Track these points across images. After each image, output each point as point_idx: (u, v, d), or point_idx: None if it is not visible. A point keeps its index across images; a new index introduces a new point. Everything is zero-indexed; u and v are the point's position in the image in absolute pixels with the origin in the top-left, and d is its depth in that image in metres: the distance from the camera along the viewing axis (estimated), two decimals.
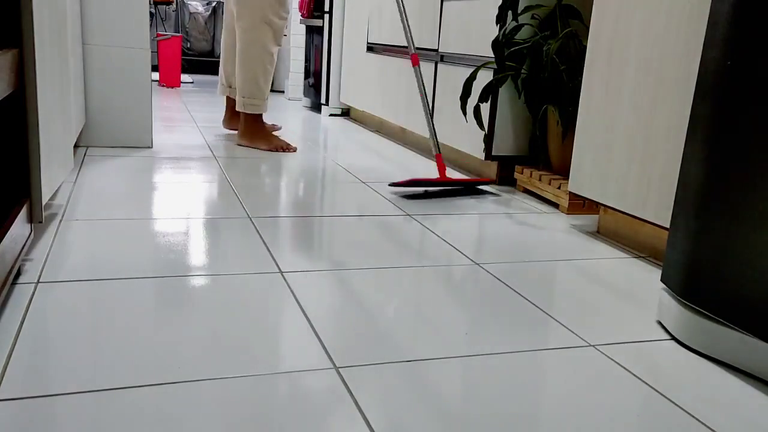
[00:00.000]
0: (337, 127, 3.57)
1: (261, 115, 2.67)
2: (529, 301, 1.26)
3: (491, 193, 2.11)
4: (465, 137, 2.38)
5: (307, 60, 4.28)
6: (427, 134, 2.68)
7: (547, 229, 1.78)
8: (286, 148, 2.67)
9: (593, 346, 1.09)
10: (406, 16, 2.24)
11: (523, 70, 2.13)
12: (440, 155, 2.18)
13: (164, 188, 1.93)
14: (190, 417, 0.80)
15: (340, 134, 3.31)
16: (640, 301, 1.30)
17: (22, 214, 1.16)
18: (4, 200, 1.15)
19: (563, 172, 2.10)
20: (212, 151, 2.56)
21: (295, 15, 4.58)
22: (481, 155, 2.26)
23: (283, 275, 1.30)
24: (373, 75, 3.31)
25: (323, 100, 3.98)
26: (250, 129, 2.67)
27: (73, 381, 0.86)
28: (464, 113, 2.09)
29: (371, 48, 3.35)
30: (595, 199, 1.70)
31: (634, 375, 1.00)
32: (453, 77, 2.47)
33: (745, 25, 1.00)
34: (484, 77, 2.22)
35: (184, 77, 5.39)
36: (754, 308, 1.00)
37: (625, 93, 1.58)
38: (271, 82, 2.67)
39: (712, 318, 1.07)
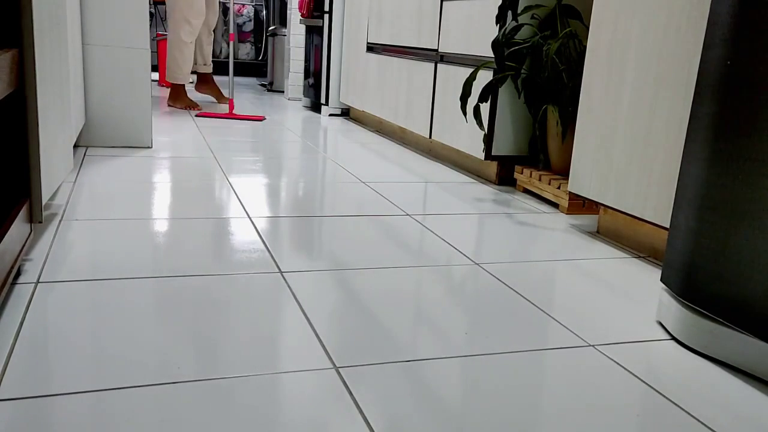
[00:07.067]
0: (336, 126, 3.57)
1: (183, 85, 3.80)
2: (529, 301, 1.26)
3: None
4: (465, 137, 2.38)
5: (307, 60, 4.28)
6: (426, 134, 2.68)
7: (547, 229, 1.78)
8: (193, 107, 3.79)
9: (593, 346, 1.09)
10: None
11: (522, 70, 2.13)
12: (232, 99, 3.64)
13: (164, 188, 1.93)
14: (190, 417, 0.80)
15: (340, 134, 3.31)
16: (640, 301, 1.30)
17: (22, 214, 1.16)
18: (4, 200, 1.15)
19: (563, 172, 2.10)
20: (212, 151, 2.56)
21: (295, 15, 4.58)
22: (481, 155, 2.26)
23: (283, 275, 1.30)
24: (373, 75, 3.31)
25: (323, 100, 3.98)
26: (174, 93, 3.82)
27: (73, 381, 0.86)
28: (464, 113, 2.09)
29: (371, 48, 3.35)
30: (594, 199, 1.70)
31: (634, 375, 1.00)
32: (453, 77, 2.47)
33: (745, 25, 1.00)
34: (484, 77, 2.22)
35: None
36: (754, 308, 1.00)
37: (625, 93, 1.58)
38: (190, 63, 3.77)
39: (712, 318, 1.07)
